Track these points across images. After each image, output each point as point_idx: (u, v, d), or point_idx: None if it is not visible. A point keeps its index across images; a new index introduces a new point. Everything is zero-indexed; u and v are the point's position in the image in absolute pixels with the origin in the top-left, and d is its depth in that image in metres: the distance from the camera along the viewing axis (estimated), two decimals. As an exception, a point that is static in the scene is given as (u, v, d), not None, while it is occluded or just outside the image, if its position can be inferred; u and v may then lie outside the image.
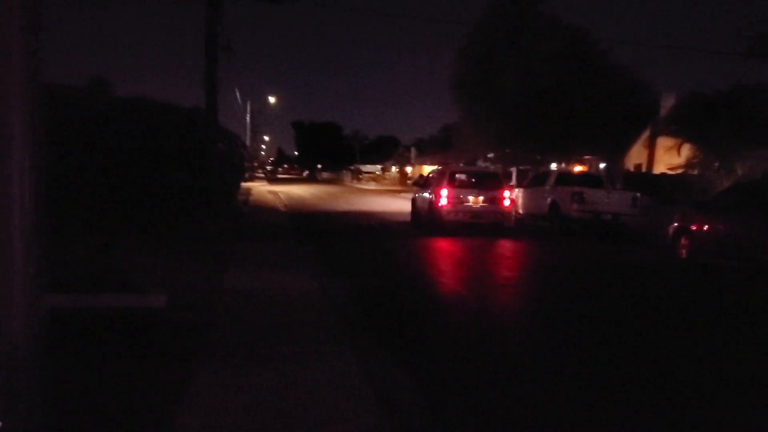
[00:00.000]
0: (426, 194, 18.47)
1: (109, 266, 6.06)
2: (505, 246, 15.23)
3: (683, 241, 12.97)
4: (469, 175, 18.55)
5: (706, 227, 12.47)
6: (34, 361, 1.84)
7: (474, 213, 17.09)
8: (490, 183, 17.86)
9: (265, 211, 22.65)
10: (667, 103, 32.63)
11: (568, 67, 30.19)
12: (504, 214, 17.51)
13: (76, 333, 5.03)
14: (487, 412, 4.31)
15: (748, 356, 6.09)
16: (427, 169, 45.79)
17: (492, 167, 39.27)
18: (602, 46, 32.25)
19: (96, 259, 6.08)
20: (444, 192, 16.89)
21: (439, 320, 7.20)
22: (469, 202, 17.03)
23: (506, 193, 17.51)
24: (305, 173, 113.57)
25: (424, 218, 18.39)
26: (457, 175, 17.98)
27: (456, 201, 16.91)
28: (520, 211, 21.46)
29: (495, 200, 17.19)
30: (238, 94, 40.28)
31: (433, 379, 4.93)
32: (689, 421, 4.33)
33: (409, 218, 20.80)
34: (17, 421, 1.80)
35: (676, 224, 13.36)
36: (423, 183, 20.61)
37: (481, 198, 17.07)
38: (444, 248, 14.62)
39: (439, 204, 16.86)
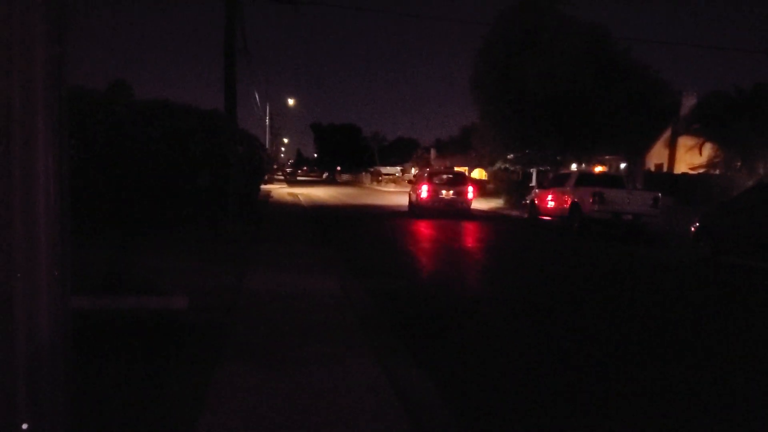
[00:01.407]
0: (415, 189, 24.05)
1: (129, 268, 6.12)
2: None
3: (705, 241, 12.83)
4: (444, 174, 24.48)
5: (728, 227, 12.32)
6: (59, 363, 1.86)
7: (446, 203, 22.81)
8: (458, 180, 23.86)
9: (284, 213, 22.77)
10: (688, 102, 32.29)
11: (587, 67, 29.91)
12: (468, 203, 23.27)
13: (98, 335, 5.08)
14: (508, 410, 4.29)
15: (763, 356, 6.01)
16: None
17: (512, 168, 39.17)
18: (622, 46, 31.94)
19: (117, 260, 6.14)
20: (425, 187, 22.85)
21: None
22: (443, 195, 22.76)
23: (470, 188, 23.46)
24: (324, 175, 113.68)
25: (414, 207, 24.02)
26: (434, 175, 24.13)
27: (434, 194, 22.71)
28: (541, 211, 21.41)
29: (462, 193, 23.06)
30: (257, 97, 40.41)
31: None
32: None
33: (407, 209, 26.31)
34: (42, 422, 1.82)
35: (697, 224, 13.22)
36: (415, 181, 26.02)
37: (451, 192, 22.89)
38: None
39: (422, 196, 22.76)
